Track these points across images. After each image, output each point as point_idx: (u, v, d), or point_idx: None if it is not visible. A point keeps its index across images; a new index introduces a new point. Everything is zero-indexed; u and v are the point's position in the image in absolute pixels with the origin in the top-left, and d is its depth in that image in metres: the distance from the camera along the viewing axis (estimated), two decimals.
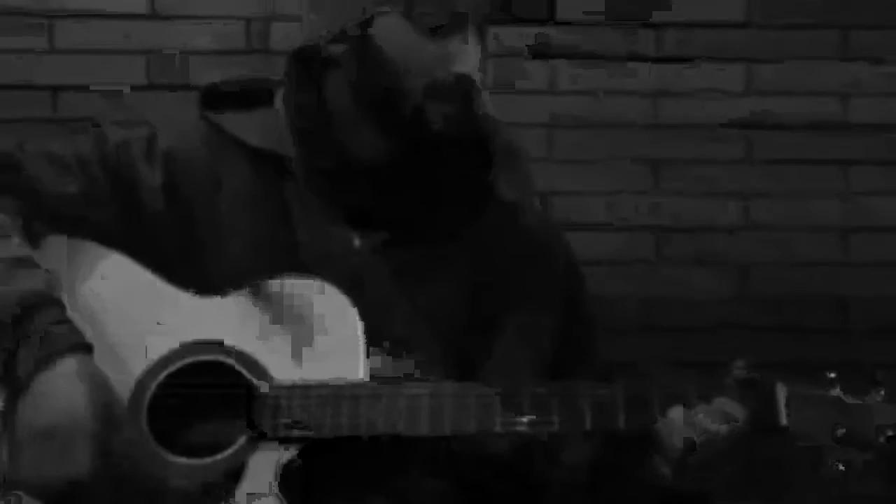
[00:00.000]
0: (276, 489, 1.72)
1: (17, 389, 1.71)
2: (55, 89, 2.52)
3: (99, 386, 1.71)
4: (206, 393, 1.78)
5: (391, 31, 1.81)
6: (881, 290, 2.49)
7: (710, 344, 2.50)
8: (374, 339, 1.77)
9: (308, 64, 1.87)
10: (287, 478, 1.73)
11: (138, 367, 1.79)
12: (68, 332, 1.73)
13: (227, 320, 1.79)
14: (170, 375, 1.78)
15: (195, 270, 1.85)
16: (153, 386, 1.78)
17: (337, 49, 1.84)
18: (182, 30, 2.51)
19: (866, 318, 2.53)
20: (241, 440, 1.75)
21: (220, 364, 1.79)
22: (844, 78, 2.56)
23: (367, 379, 1.76)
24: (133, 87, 2.49)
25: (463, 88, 1.83)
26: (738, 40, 2.55)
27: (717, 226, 2.55)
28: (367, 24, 1.81)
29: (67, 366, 1.70)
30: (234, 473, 1.73)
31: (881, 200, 2.54)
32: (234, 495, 1.72)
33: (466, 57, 1.81)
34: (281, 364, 1.76)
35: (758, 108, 2.55)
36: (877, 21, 2.51)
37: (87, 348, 1.73)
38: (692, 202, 2.54)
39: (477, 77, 1.82)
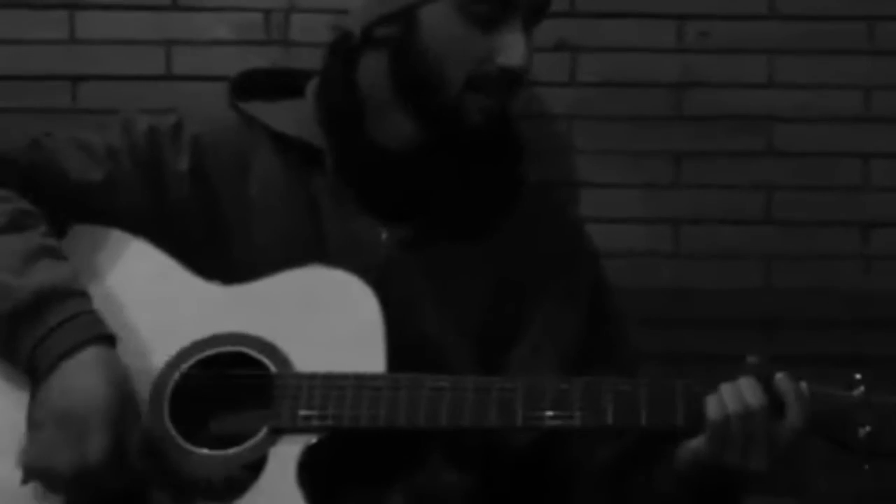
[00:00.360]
0: (296, 481, 1.72)
1: (38, 381, 1.71)
2: (76, 79, 2.51)
3: (118, 377, 1.71)
4: (228, 384, 1.78)
5: (438, 20, 1.80)
6: None
7: (731, 338, 2.49)
8: (397, 333, 1.77)
9: (350, 46, 1.86)
10: (307, 470, 1.73)
11: (161, 358, 1.79)
12: (90, 322, 1.73)
13: (250, 310, 1.79)
14: (192, 366, 1.79)
15: (220, 259, 1.86)
16: (176, 377, 1.78)
17: (381, 32, 1.83)
18: (202, 20, 2.50)
19: (890, 313, 2.52)
20: (263, 432, 1.74)
21: (243, 354, 1.79)
22: (868, 71, 2.54)
23: (388, 370, 1.76)
24: (154, 78, 2.49)
25: (507, 82, 1.82)
26: (761, 32, 2.53)
27: (739, 218, 2.53)
28: (414, 9, 1.80)
29: (88, 355, 1.70)
30: (256, 465, 1.73)
31: None
32: (254, 487, 1.72)
33: (514, 50, 1.80)
34: (303, 354, 1.76)
35: (780, 100, 2.54)
36: None
37: (109, 339, 1.73)
38: (714, 194, 2.53)
39: (525, 70, 1.81)
